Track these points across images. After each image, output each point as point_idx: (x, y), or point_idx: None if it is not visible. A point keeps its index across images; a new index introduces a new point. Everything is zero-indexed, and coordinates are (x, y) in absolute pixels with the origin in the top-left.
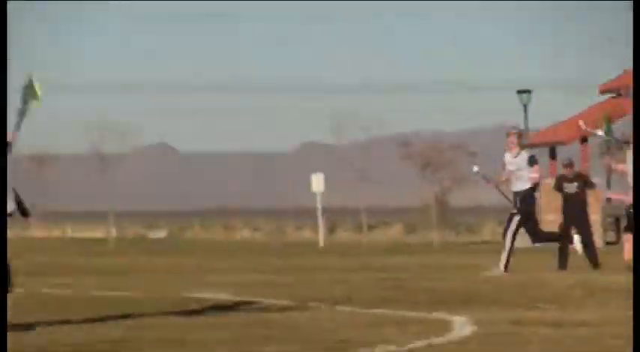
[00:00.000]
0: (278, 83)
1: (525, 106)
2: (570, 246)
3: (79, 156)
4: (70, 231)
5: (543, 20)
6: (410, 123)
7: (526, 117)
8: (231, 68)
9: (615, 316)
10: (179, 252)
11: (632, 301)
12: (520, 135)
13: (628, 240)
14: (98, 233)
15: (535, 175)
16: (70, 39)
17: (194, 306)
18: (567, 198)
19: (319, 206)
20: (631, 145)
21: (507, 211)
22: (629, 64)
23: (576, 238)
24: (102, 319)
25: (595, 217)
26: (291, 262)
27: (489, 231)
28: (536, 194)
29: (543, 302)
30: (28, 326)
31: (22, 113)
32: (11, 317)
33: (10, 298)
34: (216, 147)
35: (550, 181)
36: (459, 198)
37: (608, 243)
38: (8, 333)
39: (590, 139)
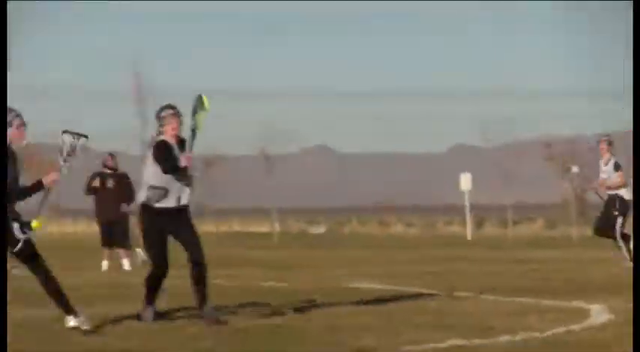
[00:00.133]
0: (429, 89)
1: None
2: None
3: (246, 157)
4: (237, 226)
5: None
6: (551, 126)
7: None
8: (388, 76)
9: None
10: (337, 246)
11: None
12: (610, 142)
13: None
14: (263, 228)
15: (618, 180)
16: (249, 51)
17: (351, 295)
18: None
19: (467, 203)
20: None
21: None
22: None
23: None
24: (265, 307)
25: None
26: (440, 254)
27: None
28: (627, 196)
29: None
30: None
31: (193, 129)
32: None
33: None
34: (371, 149)
35: None
36: (596, 196)
37: None
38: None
39: None
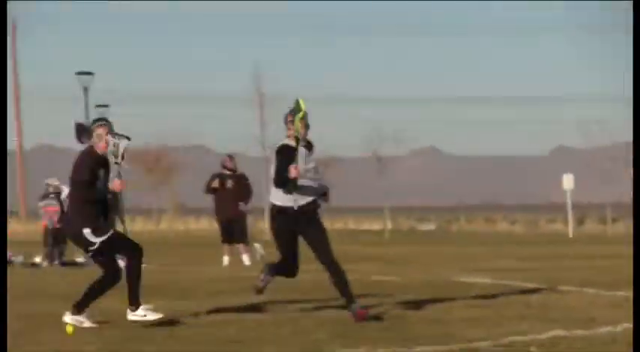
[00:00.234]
0: (530, 94)
1: None
2: None
3: (360, 158)
4: (352, 224)
5: None
6: None
7: None
8: (494, 81)
9: None
10: (446, 242)
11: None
12: None
13: None
14: (376, 226)
15: None
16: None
17: (460, 289)
18: None
19: (569, 202)
20: None
21: None
22: None
23: None
24: (377, 298)
25: None
26: (544, 250)
27: None
28: None
29: None
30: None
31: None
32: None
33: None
34: (478, 151)
35: None
36: None
37: None
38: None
39: None
